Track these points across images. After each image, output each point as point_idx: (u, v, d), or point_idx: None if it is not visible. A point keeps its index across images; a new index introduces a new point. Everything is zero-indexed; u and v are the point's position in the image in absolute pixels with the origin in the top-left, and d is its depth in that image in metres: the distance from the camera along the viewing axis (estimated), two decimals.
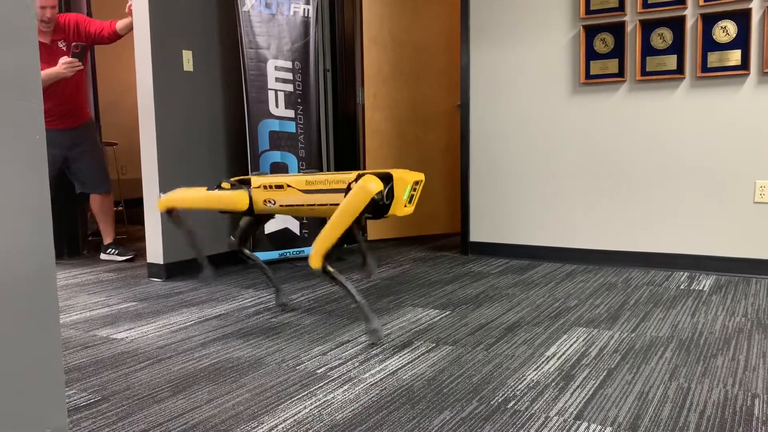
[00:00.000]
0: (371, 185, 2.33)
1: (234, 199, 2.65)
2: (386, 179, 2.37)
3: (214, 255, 4.00)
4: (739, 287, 3.23)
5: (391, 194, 2.37)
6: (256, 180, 2.65)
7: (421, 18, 4.96)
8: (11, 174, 1.02)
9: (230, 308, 3.01)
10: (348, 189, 2.43)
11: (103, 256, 4.41)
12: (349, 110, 4.78)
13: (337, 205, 2.48)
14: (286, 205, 2.59)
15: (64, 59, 3.85)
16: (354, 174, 2.44)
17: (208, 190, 2.72)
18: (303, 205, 2.56)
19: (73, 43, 3.90)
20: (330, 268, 2.42)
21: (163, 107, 3.67)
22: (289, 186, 2.57)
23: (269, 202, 2.62)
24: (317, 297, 3.19)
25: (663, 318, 2.71)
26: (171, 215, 2.77)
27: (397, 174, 2.39)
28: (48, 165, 3.96)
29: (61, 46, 4.04)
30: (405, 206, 2.42)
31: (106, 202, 4.33)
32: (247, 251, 2.88)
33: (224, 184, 2.72)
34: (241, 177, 2.72)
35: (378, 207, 2.37)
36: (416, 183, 2.44)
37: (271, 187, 2.61)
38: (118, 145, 6.21)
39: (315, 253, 2.42)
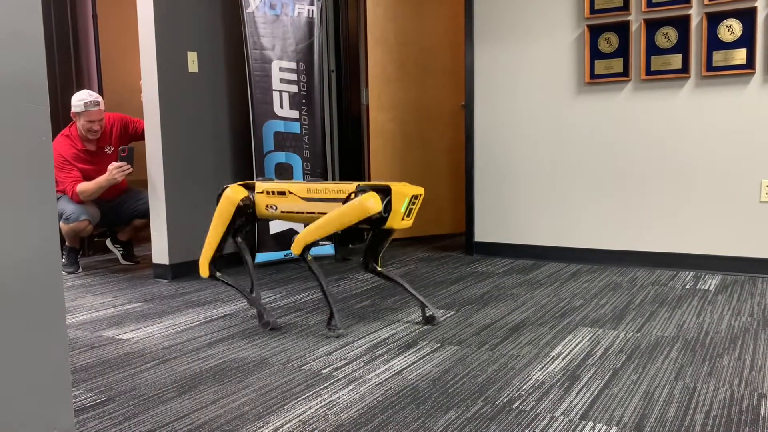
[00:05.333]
0: (370, 204, 2.40)
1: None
2: (385, 192, 2.43)
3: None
4: (745, 287, 3.22)
5: (389, 207, 2.42)
6: (260, 185, 2.69)
7: (425, 18, 4.96)
8: (17, 175, 1.03)
9: (235, 309, 3.02)
10: (347, 199, 2.48)
11: (108, 244, 4.37)
12: (353, 111, 4.78)
13: None
14: (287, 212, 2.65)
15: (113, 165, 3.81)
16: (354, 185, 2.51)
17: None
18: (303, 213, 2.62)
19: (120, 147, 3.90)
20: (309, 257, 2.55)
21: (168, 108, 3.68)
22: (290, 193, 2.63)
23: (271, 207, 2.67)
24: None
25: (668, 318, 2.70)
26: (215, 277, 2.74)
27: (396, 187, 2.45)
28: (96, 208, 3.75)
29: (107, 151, 4.05)
30: (402, 219, 2.47)
31: (147, 224, 4.24)
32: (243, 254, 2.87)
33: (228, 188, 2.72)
34: (246, 182, 2.74)
35: (375, 219, 2.43)
36: (415, 197, 2.48)
37: (273, 193, 2.66)
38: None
39: (299, 241, 2.52)
